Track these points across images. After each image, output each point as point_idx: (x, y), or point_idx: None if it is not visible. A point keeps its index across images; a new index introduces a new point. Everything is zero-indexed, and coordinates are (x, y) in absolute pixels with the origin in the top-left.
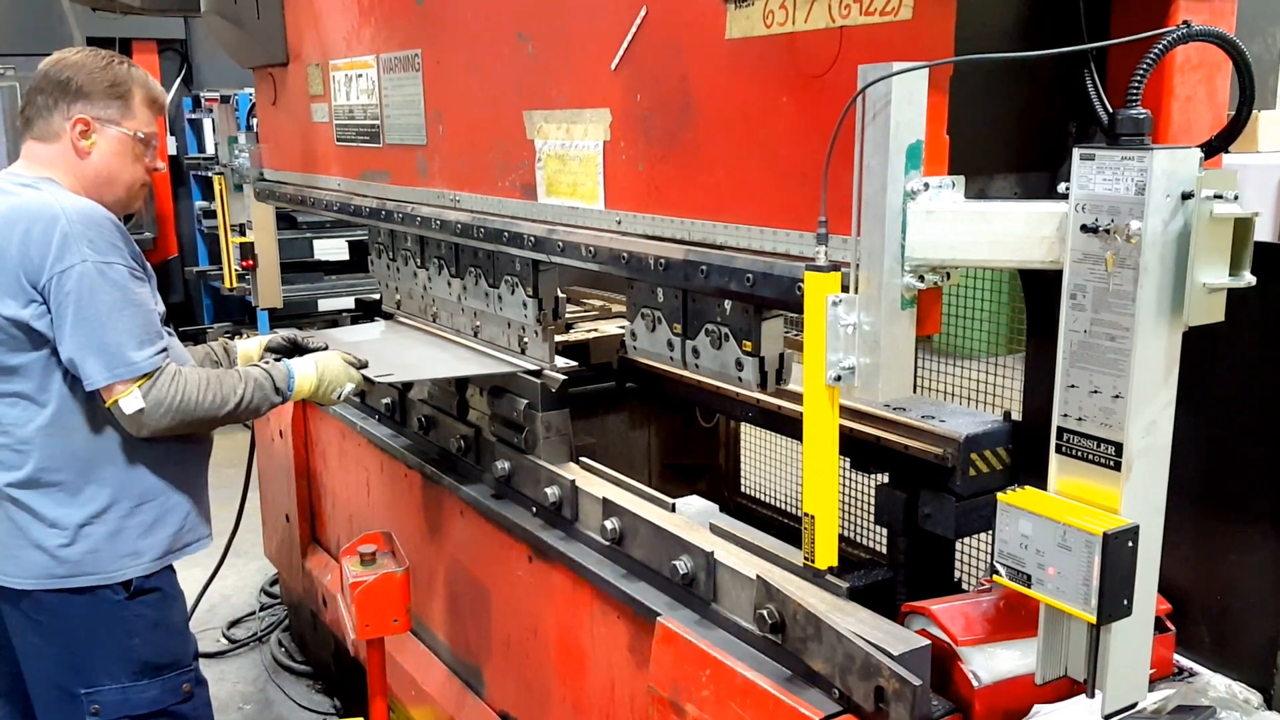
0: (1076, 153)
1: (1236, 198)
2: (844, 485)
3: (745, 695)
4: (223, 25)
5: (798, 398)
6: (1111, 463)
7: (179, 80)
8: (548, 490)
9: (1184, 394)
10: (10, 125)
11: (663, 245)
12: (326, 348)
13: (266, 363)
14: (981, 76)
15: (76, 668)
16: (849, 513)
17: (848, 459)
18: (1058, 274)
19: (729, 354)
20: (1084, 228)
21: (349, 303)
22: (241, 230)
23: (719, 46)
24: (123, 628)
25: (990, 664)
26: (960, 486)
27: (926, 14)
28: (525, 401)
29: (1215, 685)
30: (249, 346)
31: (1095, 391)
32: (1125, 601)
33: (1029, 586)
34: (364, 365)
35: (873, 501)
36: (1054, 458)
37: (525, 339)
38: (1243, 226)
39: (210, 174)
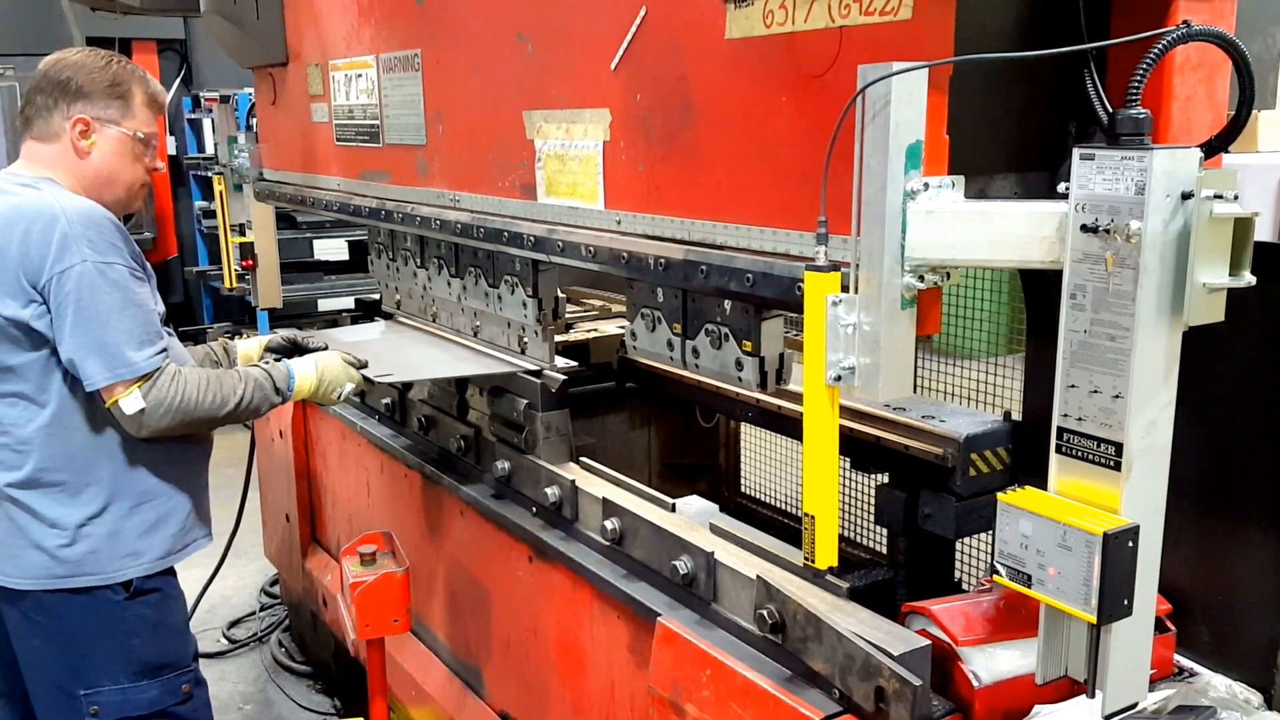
0: (1076, 152)
1: (1236, 197)
2: (844, 485)
3: (745, 695)
4: (222, 25)
5: (798, 398)
6: (1111, 463)
7: (179, 80)
8: (548, 490)
9: (1184, 394)
10: (10, 125)
11: (663, 245)
12: (326, 348)
13: (266, 363)
14: (981, 76)
15: (76, 668)
16: (849, 513)
17: (848, 459)
18: (1058, 274)
19: (729, 354)
20: (1084, 228)
21: (349, 303)
22: (241, 230)
23: (719, 46)
24: (122, 628)
25: (990, 664)
26: (960, 486)
27: (926, 14)
28: (525, 401)
29: (1215, 685)
30: (249, 346)
31: (1095, 391)
32: (1125, 601)
33: (1029, 586)
34: (364, 365)
35: (873, 501)
36: (1054, 458)
37: (525, 339)
38: (1243, 226)
39: (210, 174)
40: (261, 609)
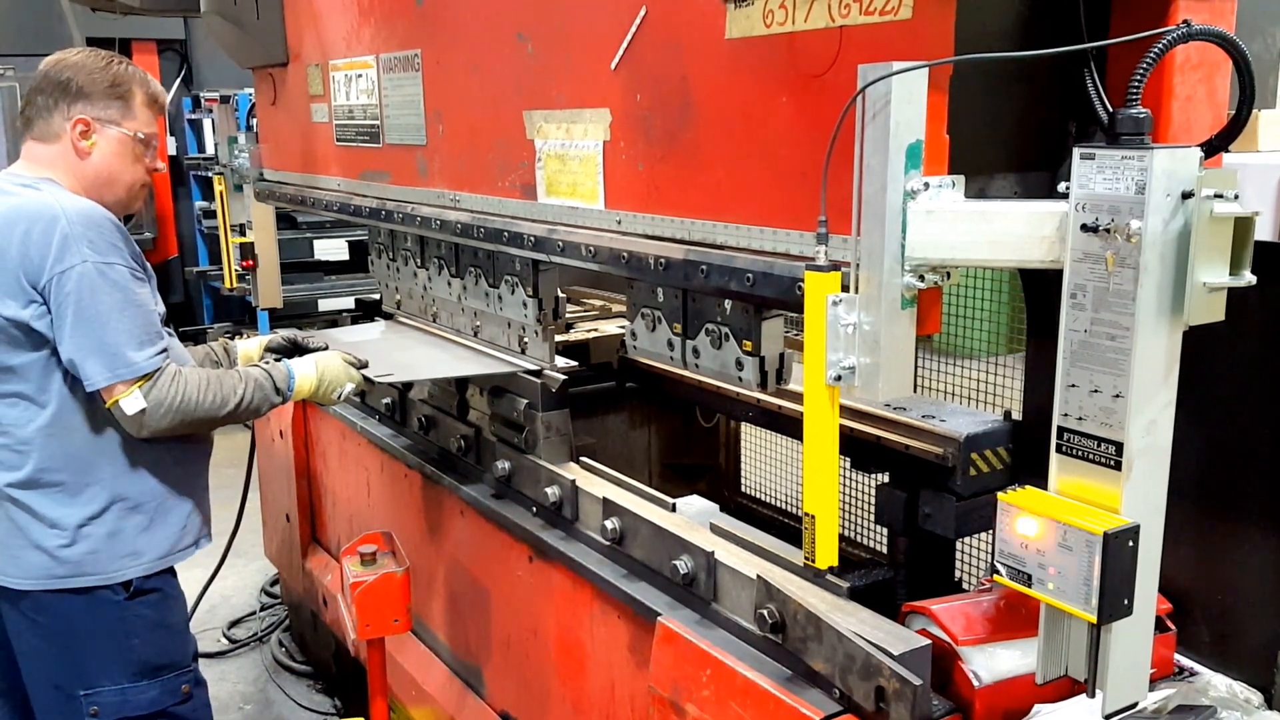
0: (1076, 152)
1: (1237, 197)
2: (844, 485)
3: (746, 695)
4: (222, 25)
5: (798, 397)
6: (1112, 462)
7: (179, 80)
8: (548, 490)
9: (1184, 394)
10: (10, 125)
11: (663, 245)
12: (326, 348)
13: (266, 363)
14: (981, 76)
15: (76, 668)
16: (849, 513)
17: (848, 459)
18: (1058, 274)
19: (729, 354)
20: (1084, 227)
21: (349, 303)
22: (241, 230)
23: (719, 46)
24: (122, 628)
25: (991, 664)
26: (960, 486)
27: (926, 13)
28: (525, 401)
29: (1216, 685)
30: (249, 347)
31: (1095, 391)
32: (1126, 601)
33: (1029, 586)
34: (364, 365)
35: (873, 501)
36: (1054, 457)
37: (525, 339)
38: (1243, 226)
39: (210, 174)
40: (262, 609)
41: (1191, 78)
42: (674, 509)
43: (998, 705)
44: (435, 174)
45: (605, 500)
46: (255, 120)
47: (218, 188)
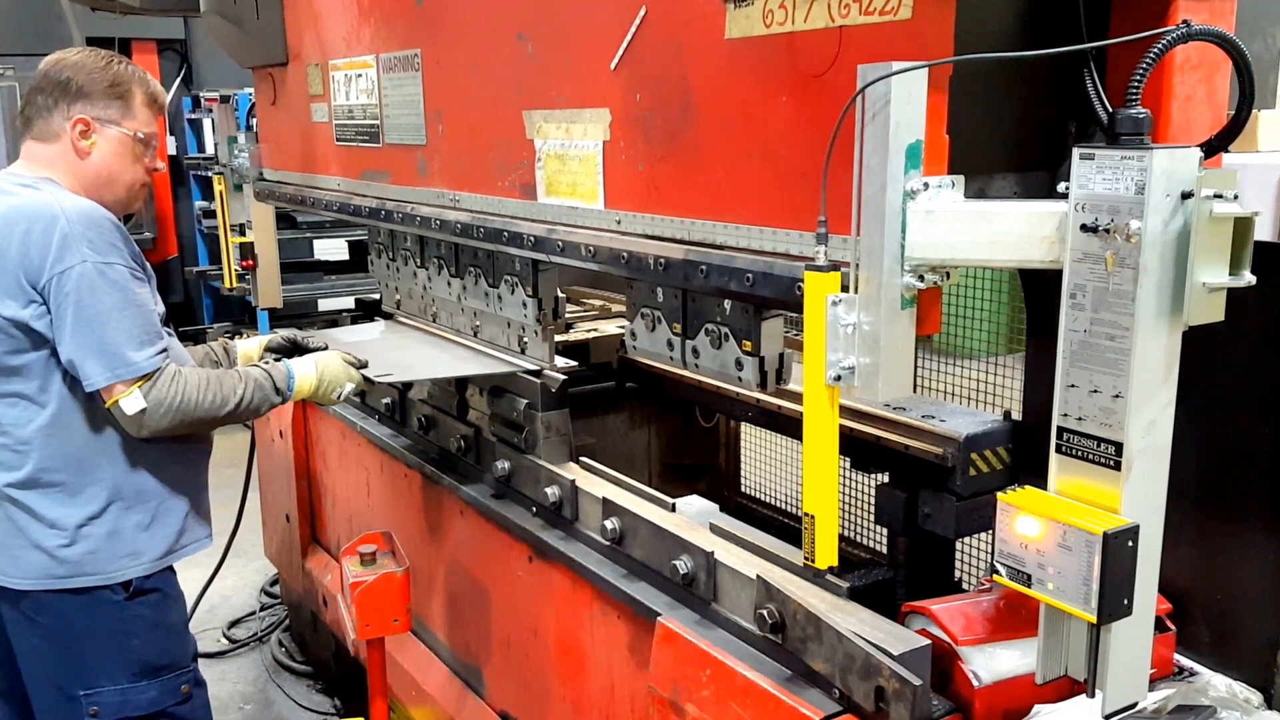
0: (1076, 152)
1: (1236, 197)
2: (844, 485)
3: (745, 695)
4: (222, 25)
5: (798, 397)
6: (1111, 462)
7: (178, 80)
8: (548, 490)
9: (1184, 394)
10: (10, 125)
11: (662, 245)
12: (326, 348)
13: (266, 363)
14: (981, 76)
15: (76, 668)
16: (849, 513)
17: (848, 459)
18: (1058, 274)
19: (729, 354)
20: (1084, 227)
21: (349, 303)
22: (241, 230)
23: (718, 46)
24: (122, 628)
25: (990, 664)
26: (960, 486)
27: (926, 13)
28: (525, 401)
29: (1215, 685)
30: (249, 346)
31: (1095, 391)
32: (1125, 601)
33: (1029, 586)
34: (364, 365)
35: (873, 501)
36: (1054, 457)
37: (525, 339)
38: (1242, 226)
39: (210, 174)
40: (261, 609)
41: (1191, 78)
42: (674, 509)
43: (997, 705)
44: (435, 174)
45: (605, 500)
46: (255, 120)
47: (217, 187)
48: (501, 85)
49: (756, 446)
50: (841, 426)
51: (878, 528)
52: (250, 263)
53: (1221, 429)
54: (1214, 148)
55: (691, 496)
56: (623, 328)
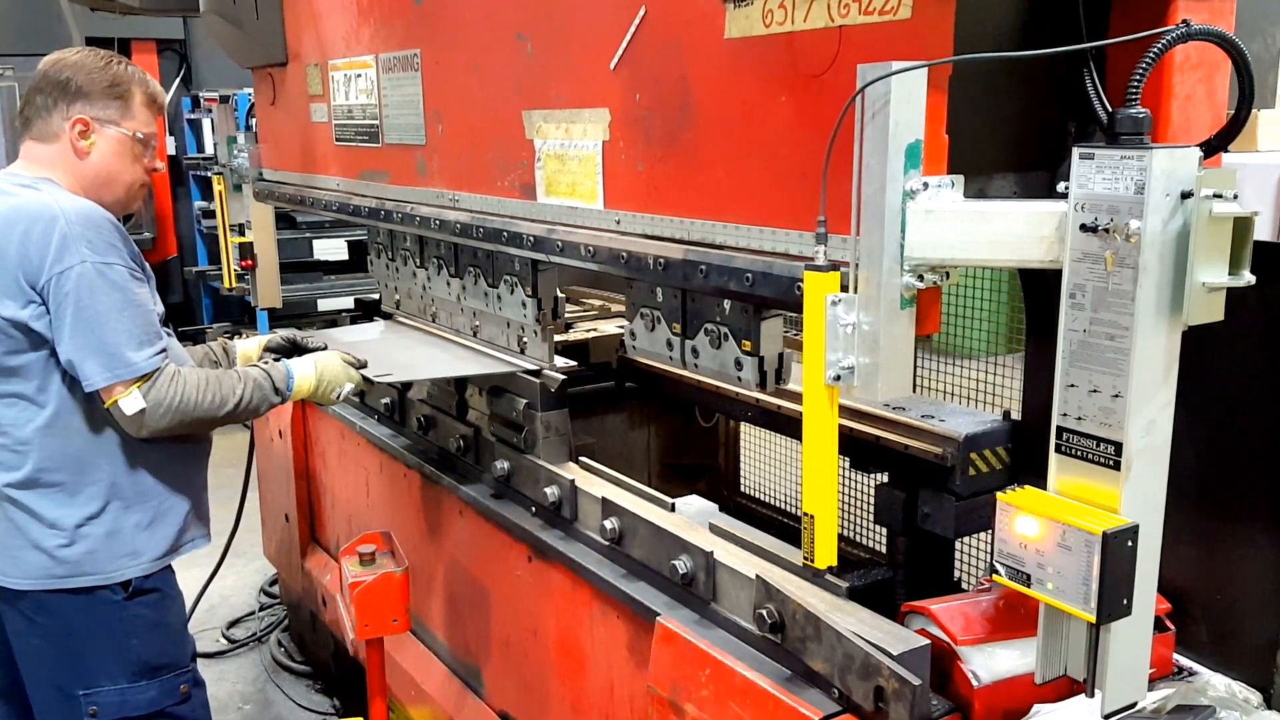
0: (1076, 152)
1: (1236, 197)
2: (843, 485)
3: (745, 695)
4: (222, 25)
5: (797, 397)
6: (1111, 462)
7: (178, 80)
8: (547, 490)
9: (1183, 393)
10: (9, 125)
11: (662, 245)
12: (326, 348)
13: (265, 363)
14: (981, 76)
15: (75, 668)
16: (848, 512)
17: (847, 459)
18: (1057, 273)
19: (728, 354)
20: (1083, 227)
21: (348, 303)
22: (241, 230)
23: (718, 46)
24: (121, 628)
25: (990, 663)
26: (960, 486)
27: (926, 13)
28: (524, 401)
29: (1215, 685)
30: (248, 346)
31: (1095, 391)
32: (1125, 601)
33: (1028, 586)
34: (363, 365)
35: (872, 501)
36: (1053, 457)
37: (524, 339)
38: (1242, 225)
39: (209, 174)
40: (261, 609)
41: (1191, 77)
42: (673, 509)
43: (997, 705)
44: (434, 174)
45: (604, 500)
46: (254, 120)
47: (217, 187)
48: (501, 85)
49: (756, 446)
50: (841, 426)
51: (877, 527)
52: (249, 263)
53: (1221, 429)
54: (1213, 147)
55: (691, 496)
56: (622, 327)
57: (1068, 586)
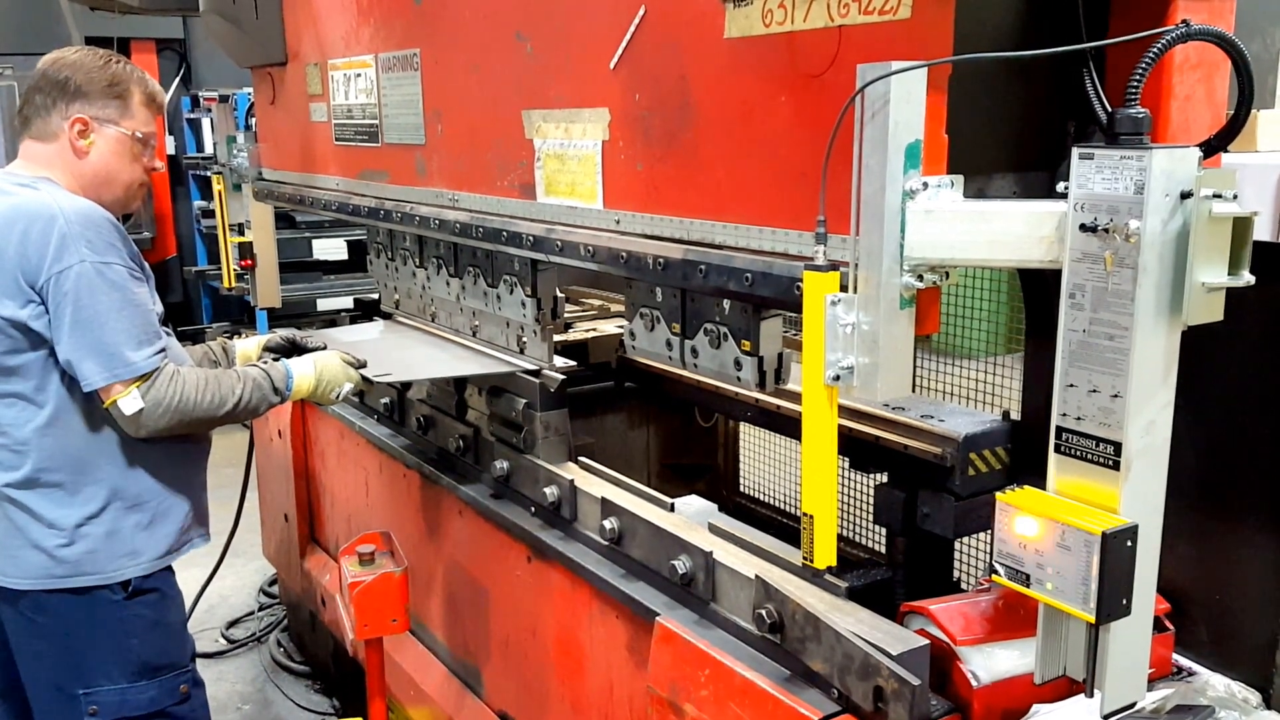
0: (1075, 152)
1: (1235, 197)
2: (843, 485)
3: (744, 695)
4: (221, 25)
5: (796, 397)
6: (1110, 462)
7: (177, 80)
8: (546, 490)
9: (1183, 394)
10: (8, 125)
11: (661, 245)
12: (325, 347)
13: (265, 363)
14: (980, 76)
15: (75, 668)
16: (848, 512)
17: (847, 459)
18: (1057, 273)
19: (727, 354)
20: (1083, 227)
21: (348, 302)
22: (240, 230)
23: (718, 46)
24: (121, 628)
25: (989, 664)
26: (959, 486)
27: (925, 13)
28: (524, 401)
29: (1214, 685)
30: (247, 346)
31: (1094, 391)
32: (1124, 601)
33: (1028, 586)
34: (363, 365)
35: (872, 501)
36: (1053, 457)
37: (524, 339)
38: (1242, 226)
39: (209, 173)
40: (260, 609)
41: (1190, 78)
42: (672, 509)
43: (996, 705)
44: (434, 173)
45: (604, 500)
46: (254, 120)
47: (216, 187)
48: (500, 85)
49: (755, 446)
50: (840, 426)
51: (876, 527)
52: (249, 262)
53: (1221, 429)
54: (1213, 147)
55: (690, 496)
56: (621, 327)
57: (1067, 586)
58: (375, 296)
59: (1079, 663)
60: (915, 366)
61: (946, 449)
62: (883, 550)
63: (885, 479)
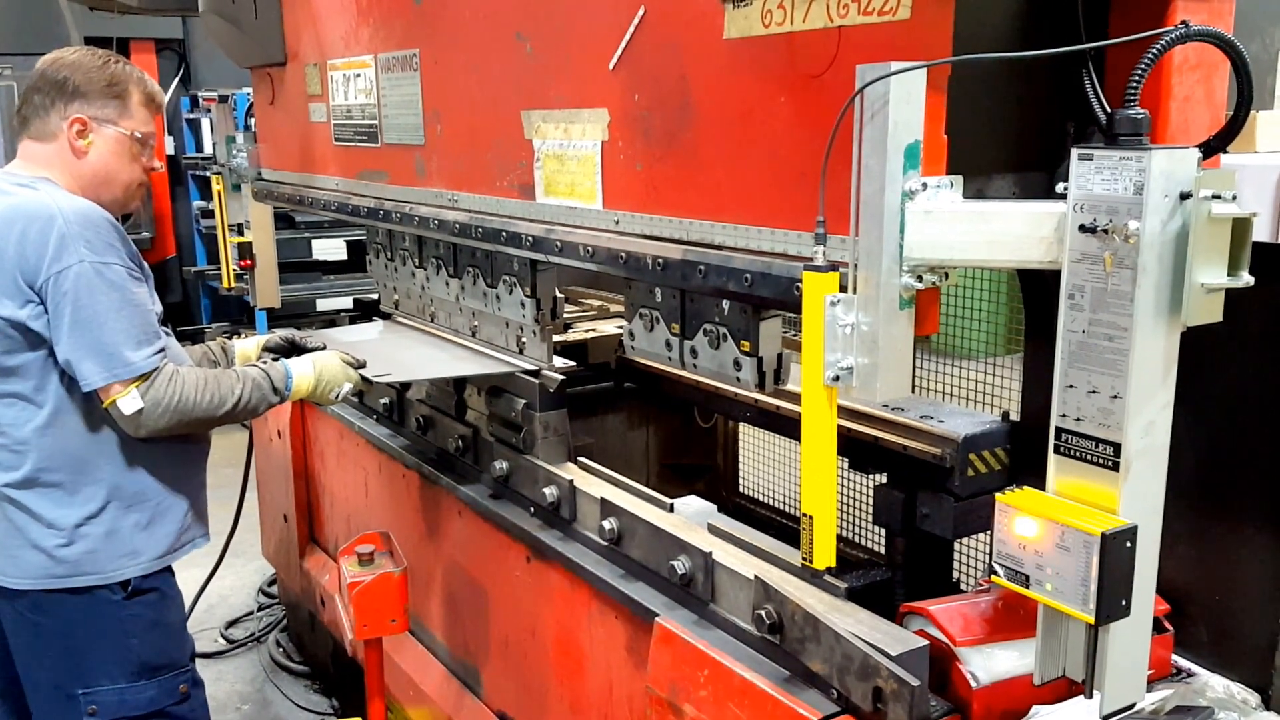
0: (1075, 153)
1: (1235, 198)
2: (842, 485)
3: (743, 695)
4: (221, 25)
5: (796, 398)
6: (1110, 463)
7: (177, 80)
8: (546, 490)
9: (1183, 394)
10: (7, 125)
11: (661, 245)
12: (324, 347)
13: (264, 363)
14: (980, 76)
15: (74, 668)
16: (847, 513)
17: (846, 459)
18: (1056, 274)
19: (727, 354)
20: (1082, 228)
21: (347, 302)
22: (239, 230)
23: (717, 46)
24: (120, 628)
25: (988, 664)
26: (959, 487)
27: (925, 14)
28: (523, 401)
29: (1213, 686)
30: (247, 346)
31: (1093, 392)
32: (1124, 602)
33: (1027, 587)
34: (362, 365)
35: (871, 502)
36: (1052, 458)
37: (523, 339)
38: (1241, 226)
39: (208, 174)
40: (259, 609)
41: (1190, 78)
42: (672, 509)
43: (995, 706)
44: (433, 174)
45: (603, 500)
46: (253, 120)
47: (216, 187)
48: (500, 85)
49: (755, 447)
50: (840, 427)
51: (876, 528)
52: (248, 262)
53: (1220, 429)
54: (1212, 148)
55: (689, 497)
56: (621, 328)
57: (1066, 587)
58: (375, 297)
59: (1078, 663)
60: (915, 367)
61: (946, 449)
62: (882, 551)
63: (885, 479)
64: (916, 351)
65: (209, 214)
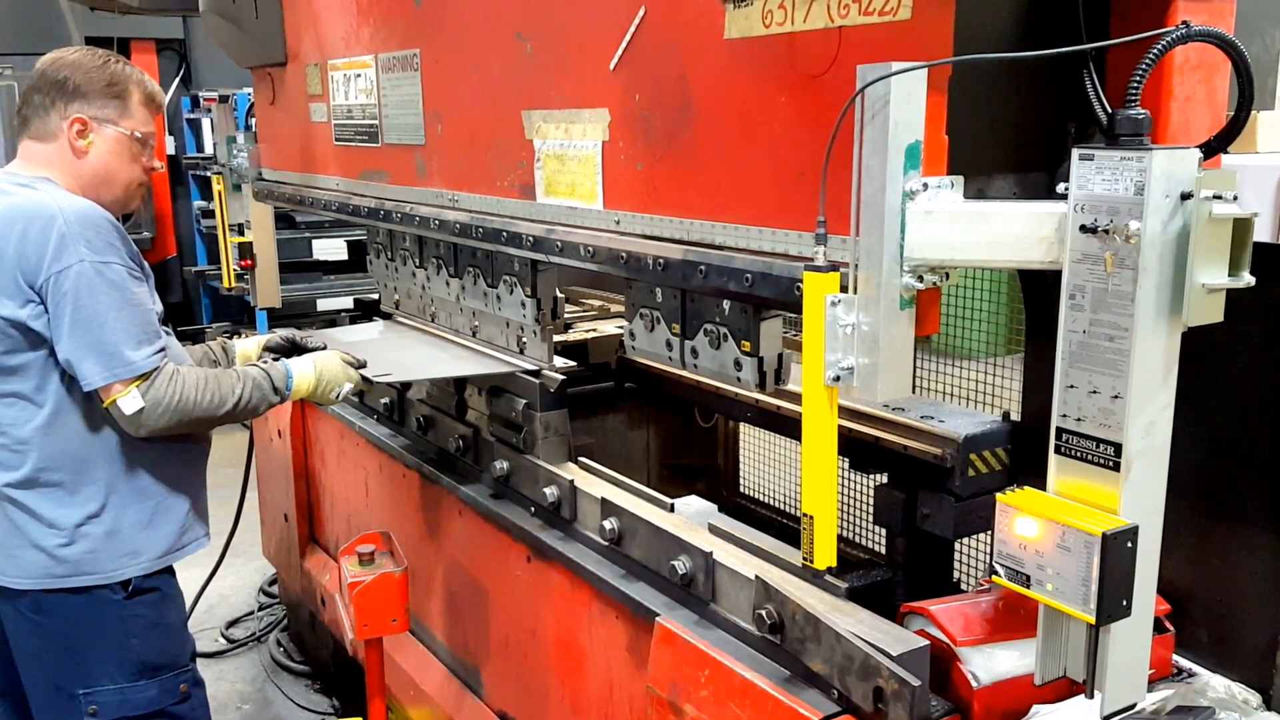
0: (1075, 153)
1: (1235, 198)
2: (843, 485)
3: (744, 695)
4: (221, 25)
5: (796, 398)
6: (1110, 463)
7: (177, 80)
8: (546, 490)
9: (1183, 394)
10: (7, 125)
11: (661, 245)
12: (325, 347)
13: (265, 362)
14: (980, 77)
15: (74, 668)
16: (848, 513)
17: (846, 459)
18: (1057, 274)
19: (727, 354)
20: (1083, 228)
21: (348, 302)
22: (240, 230)
23: (718, 46)
24: (121, 628)
25: (989, 664)
26: (959, 487)
27: (925, 14)
28: (524, 401)
29: (1214, 686)
30: (247, 346)
31: (1094, 392)
32: (1124, 602)
33: (1028, 587)
34: (362, 365)
35: (872, 502)
36: (1053, 458)
37: (524, 339)
38: (1242, 227)
39: (209, 174)
40: (260, 609)
41: (1190, 79)
42: (672, 509)
43: (996, 706)
44: (434, 174)
45: (604, 500)
46: (254, 120)
47: (216, 187)
48: (500, 85)
49: (755, 447)
50: (840, 427)
51: (876, 528)
52: (249, 262)
53: (1221, 429)
54: (1213, 149)
55: (690, 497)
56: (621, 328)
57: (1067, 587)
58: (375, 297)
59: (1079, 664)
60: (915, 367)
61: (946, 450)
62: (883, 551)
63: (885, 480)
64: (917, 352)
65: (209, 214)
